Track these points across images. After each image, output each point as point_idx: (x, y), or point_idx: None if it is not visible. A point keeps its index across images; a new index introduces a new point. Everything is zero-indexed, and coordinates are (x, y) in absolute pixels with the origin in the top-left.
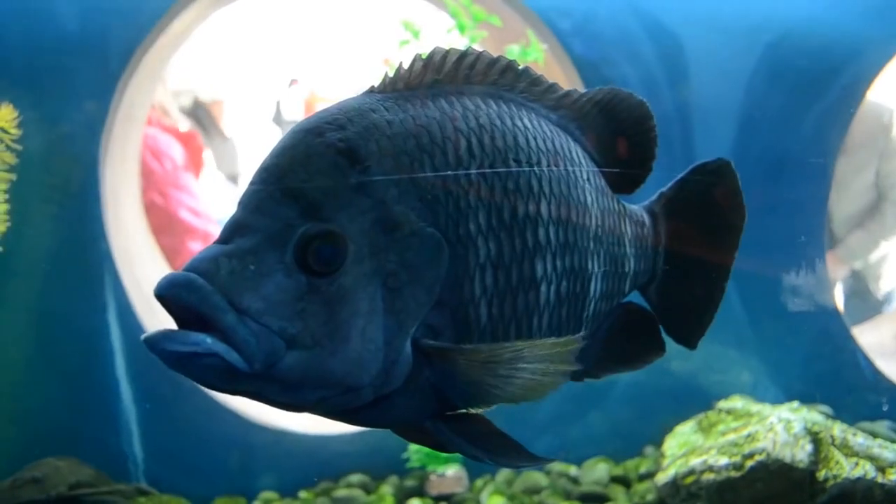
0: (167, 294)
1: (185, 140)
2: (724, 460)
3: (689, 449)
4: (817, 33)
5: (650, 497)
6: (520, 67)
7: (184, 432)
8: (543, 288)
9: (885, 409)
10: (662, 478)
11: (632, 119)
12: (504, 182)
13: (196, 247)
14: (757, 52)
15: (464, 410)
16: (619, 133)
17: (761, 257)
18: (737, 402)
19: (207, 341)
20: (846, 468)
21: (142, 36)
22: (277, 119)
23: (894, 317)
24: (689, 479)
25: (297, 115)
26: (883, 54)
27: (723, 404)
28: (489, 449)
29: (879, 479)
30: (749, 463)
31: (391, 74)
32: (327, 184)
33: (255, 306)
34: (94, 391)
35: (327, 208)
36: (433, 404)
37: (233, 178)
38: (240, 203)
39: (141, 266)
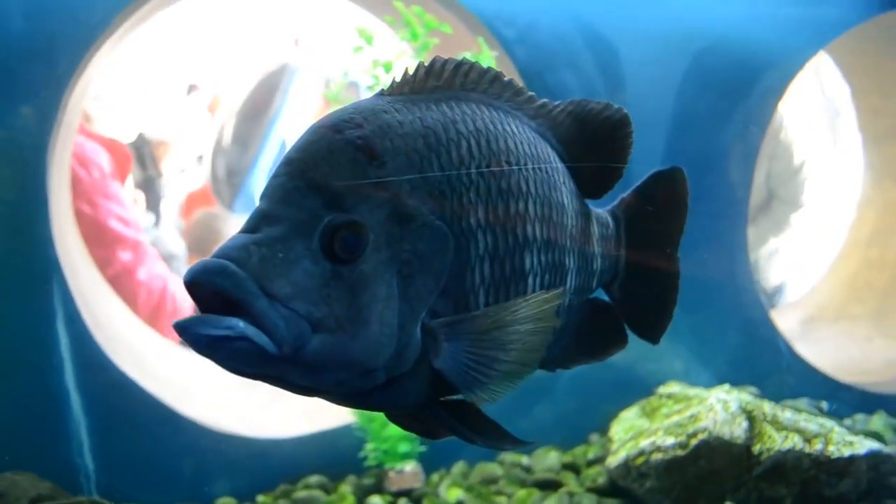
0: (202, 280)
1: (112, 147)
2: (670, 440)
3: (635, 433)
4: (740, 44)
5: (601, 480)
6: (505, 79)
7: (136, 441)
8: (530, 280)
9: (828, 406)
10: (613, 461)
11: (604, 128)
12: (498, 182)
13: (126, 256)
14: (686, 60)
15: (459, 397)
16: (590, 141)
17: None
18: (674, 388)
19: (240, 325)
20: (777, 441)
21: (92, 38)
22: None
23: (798, 305)
24: (640, 460)
25: (202, 121)
26: (795, 64)
27: (662, 390)
28: (481, 432)
29: (807, 450)
30: (693, 441)
31: (398, 80)
32: (349, 178)
33: (285, 291)
34: (43, 402)
35: (349, 200)
36: (435, 389)
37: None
38: (264, 195)
39: (77, 276)
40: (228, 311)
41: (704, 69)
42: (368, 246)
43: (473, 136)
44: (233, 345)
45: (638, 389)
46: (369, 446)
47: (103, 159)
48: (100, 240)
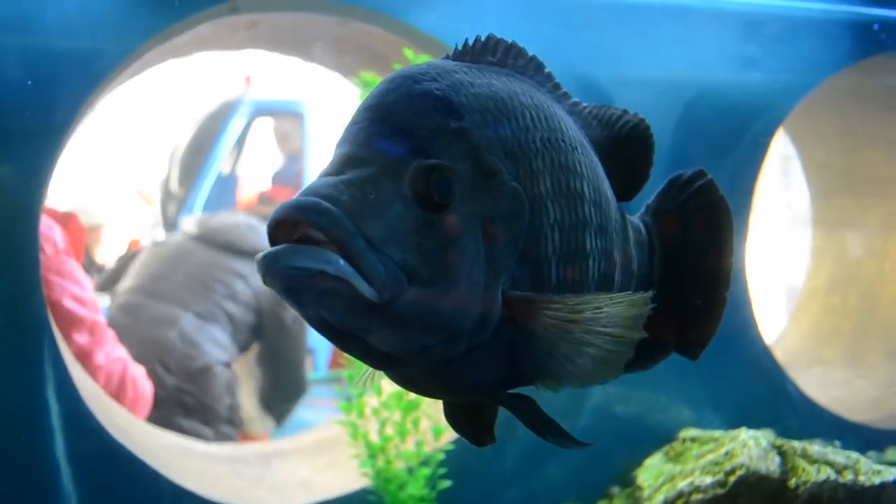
0: (293, 217)
1: (65, 222)
2: (709, 479)
3: (668, 476)
4: (728, 93)
5: None
6: (546, 70)
7: None
8: (590, 262)
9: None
10: None
11: (628, 136)
12: (559, 156)
13: (83, 339)
14: (678, 108)
15: (519, 391)
16: (613, 145)
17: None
18: (694, 432)
19: (340, 262)
20: (812, 474)
21: (92, 89)
22: None
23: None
24: (679, 502)
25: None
26: (781, 110)
27: (684, 434)
28: (543, 425)
29: (841, 480)
30: (732, 479)
31: (459, 48)
32: (432, 126)
33: (380, 234)
34: (32, 472)
35: (435, 147)
36: (507, 370)
37: None
38: (343, 141)
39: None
40: None
41: (696, 117)
42: (457, 195)
43: (533, 109)
44: (328, 284)
45: (649, 440)
46: None
47: (57, 234)
48: (55, 320)
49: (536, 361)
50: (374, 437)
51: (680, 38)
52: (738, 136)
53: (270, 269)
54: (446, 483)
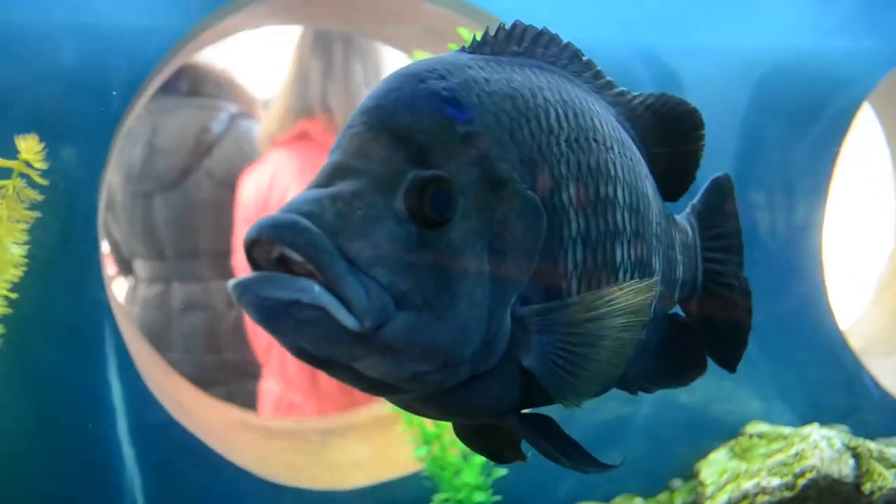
0: (267, 236)
1: None
2: (776, 481)
3: (732, 474)
4: (806, 66)
5: None
6: (584, 58)
7: (193, 495)
8: (621, 275)
9: None
10: None
11: (683, 127)
12: (587, 159)
13: None
14: (751, 84)
15: (535, 410)
16: (668, 139)
17: (765, 282)
18: (762, 427)
19: (315, 289)
20: (890, 479)
21: (144, 74)
22: None
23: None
24: (744, 503)
25: None
26: (866, 83)
27: (751, 429)
28: (562, 451)
29: None
30: (801, 481)
31: (478, 39)
32: (435, 131)
33: (365, 255)
34: (95, 454)
35: (436, 155)
36: (519, 394)
37: None
38: (336, 147)
39: (124, 322)
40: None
41: (770, 94)
42: (458, 210)
43: (560, 105)
44: (302, 314)
45: (714, 431)
46: (439, 497)
47: None
48: None
49: (554, 374)
50: (430, 425)
51: (753, 2)
52: (818, 113)
53: (242, 299)
54: (502, 471)
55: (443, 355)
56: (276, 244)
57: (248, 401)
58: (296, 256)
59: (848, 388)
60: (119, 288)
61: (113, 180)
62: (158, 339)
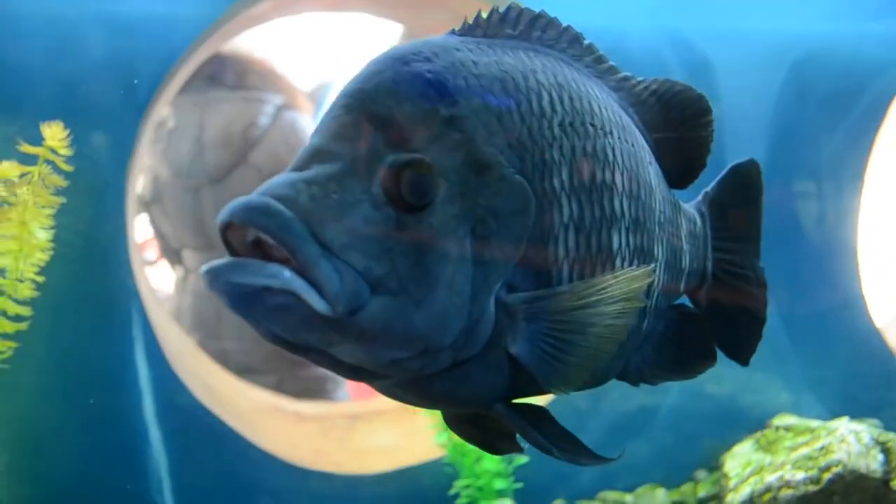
0: (240, 218)
1: None
2: (801, 475)
3: (756, 467)
4: (840, 52)
5: None
6: (585, 42)
7: (218, 478)
8: (618, 263)
9: None
10: (736, 497)
11: (688, 113)
12: (583, 143)
13: None
14: (783, 70)
15: (526, 399)
16: (674, 125)
17: (796, 272)
18: (790, 420)
19: (285, 274)
20: None
21: (170, 62)
22: None
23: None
24: (767, 497)
25: None
26: None
27: (777, 421)
28: (555, 442)
29: None
30: (826, 476)
31: (469, 22)
32: (417, 114)
33: (339, 240)
34: (122, 436)
35: (417, 139)
36: (506, 382)
37: None
38: (317, 130)
39: (152, 307)
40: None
41: (804, 81)
42: (439, 194)
43: (555, 89)
44: (273, 299)
45: (741, 423)
46: (460, 483)
47: None
48: None
49: (542, 362)
50: None
51: None
52: (853, 100)
53: (213, 286)
54: (523, 459)
55: (421, 342)
56: (248, 227)
57: (299, 387)
58: (269, 240)
59: (881, 382)
60: (166, 277)
61: (162, 175)
62: (210, 328)
